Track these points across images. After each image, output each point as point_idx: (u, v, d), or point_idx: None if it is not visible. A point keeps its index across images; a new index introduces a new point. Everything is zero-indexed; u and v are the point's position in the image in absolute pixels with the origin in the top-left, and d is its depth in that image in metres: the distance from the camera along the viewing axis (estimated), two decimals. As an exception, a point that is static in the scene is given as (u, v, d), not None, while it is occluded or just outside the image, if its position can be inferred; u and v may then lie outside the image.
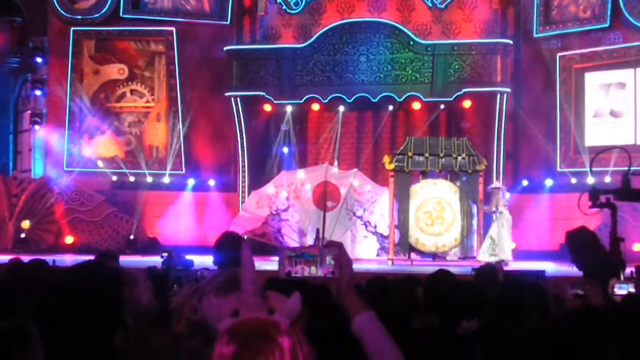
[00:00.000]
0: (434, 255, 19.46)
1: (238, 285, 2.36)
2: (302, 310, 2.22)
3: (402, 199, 19.36)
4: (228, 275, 2.50)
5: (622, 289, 5.21)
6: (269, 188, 21.20)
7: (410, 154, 19.29)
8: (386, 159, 19.59)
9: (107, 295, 2.66)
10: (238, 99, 22.46)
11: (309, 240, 20.25)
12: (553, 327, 2.55)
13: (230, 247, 5.31)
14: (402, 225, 19.34)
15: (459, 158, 19.19)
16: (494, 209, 18.05)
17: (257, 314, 2.18)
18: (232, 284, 2.42)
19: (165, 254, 13.98)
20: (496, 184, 19.05)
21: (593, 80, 21.48)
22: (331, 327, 3.11)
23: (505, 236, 17.96)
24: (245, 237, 19.99)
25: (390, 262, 18.99)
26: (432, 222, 19.42)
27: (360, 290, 5.02)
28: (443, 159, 19.27)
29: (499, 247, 17.83)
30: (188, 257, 14.03)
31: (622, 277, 5.64)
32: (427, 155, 19.29)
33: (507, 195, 18.62)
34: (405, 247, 19.42)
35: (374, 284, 6.23)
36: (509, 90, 21.59)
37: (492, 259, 17.01)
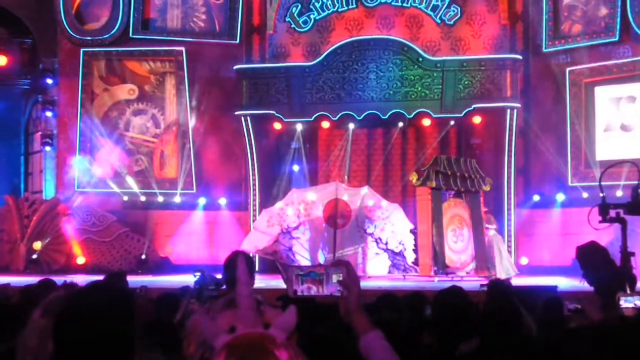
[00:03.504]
0: (447, 271, 19.35)
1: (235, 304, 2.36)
2: (298, 324, 2.22)
3: (436, 216, 19.25)
4: (228, 297, 2.51)
5: (628, 302, 5.16)
6: (280, 206, 21.13)
7: (449, 172, 19.21)
8: (421, 175, 19.44)
9: (120, 318, 2.60)
10: (248, 117, 22.47)
11: (320, 259, 20.21)
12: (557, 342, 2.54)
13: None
14: (437, 242, 19.13)
15: (475, 179, 19.36)
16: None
17: (254, 329, 2.18)
18: (231, 304, 2.42)
19: (197, 273, 14.01)
20: (484, 208, 19.75)
21: (603, 94, 21.43)
22: (339, 343, 3.10)
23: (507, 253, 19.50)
24: (257, 255, 20.05)
25: (436, 280, 18.33)
26: (457, 239, 19.42)
27: (369, 307, 5.01)
28: (462, 179, 19.36)
29: (509, 263, 18.71)
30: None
31: (628, 291, 5.60)
32: (458, 174, 19.32)
33: None
34: (442, 263, 19.12)
35: (383, 300, 6.19)
36: (518, 105, 21.57)
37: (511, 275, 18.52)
